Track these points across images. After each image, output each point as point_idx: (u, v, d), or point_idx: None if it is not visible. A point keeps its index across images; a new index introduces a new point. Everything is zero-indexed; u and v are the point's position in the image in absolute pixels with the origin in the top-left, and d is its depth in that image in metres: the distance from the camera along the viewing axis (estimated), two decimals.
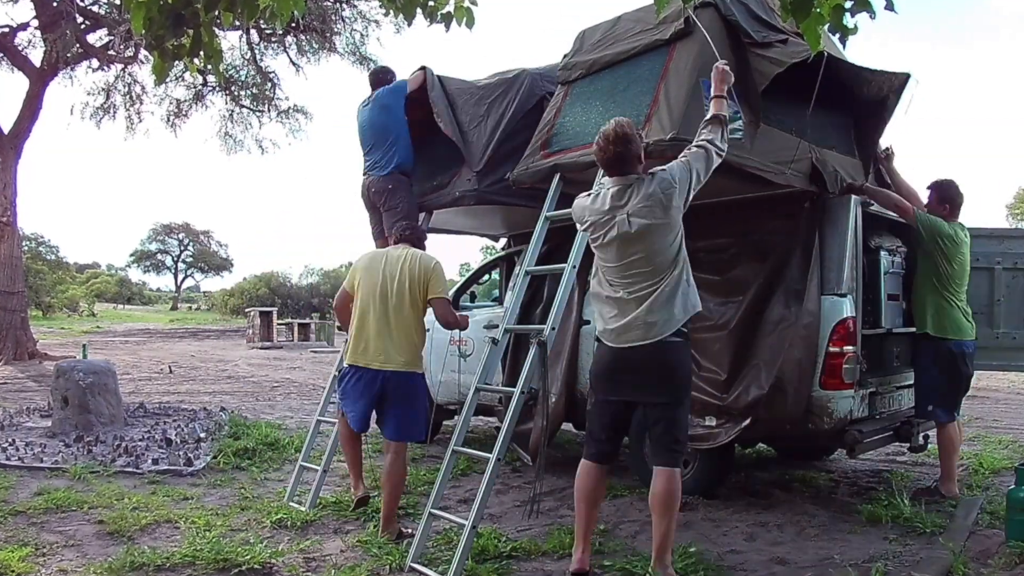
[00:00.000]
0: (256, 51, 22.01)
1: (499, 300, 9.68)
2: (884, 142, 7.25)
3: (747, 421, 6.09)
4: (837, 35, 4.08)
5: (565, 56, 6.84)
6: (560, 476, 7.50)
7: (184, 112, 23.03)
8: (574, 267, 5.80)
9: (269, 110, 23.39)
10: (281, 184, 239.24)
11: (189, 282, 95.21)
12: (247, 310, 37.59)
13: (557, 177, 6.35)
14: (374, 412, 5.72)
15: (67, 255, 74.86)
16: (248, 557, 5.02)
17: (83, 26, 19.82)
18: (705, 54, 5.71)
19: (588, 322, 7.28)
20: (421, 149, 7.80)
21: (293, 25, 20.08)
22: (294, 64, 22.32)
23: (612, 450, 4.91)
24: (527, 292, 6.40)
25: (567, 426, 8.37)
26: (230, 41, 21.37)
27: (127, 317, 53.97)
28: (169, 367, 20.05)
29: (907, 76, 6.66)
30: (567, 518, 6.18)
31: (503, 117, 7.19)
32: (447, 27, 4.94)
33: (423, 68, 7.63)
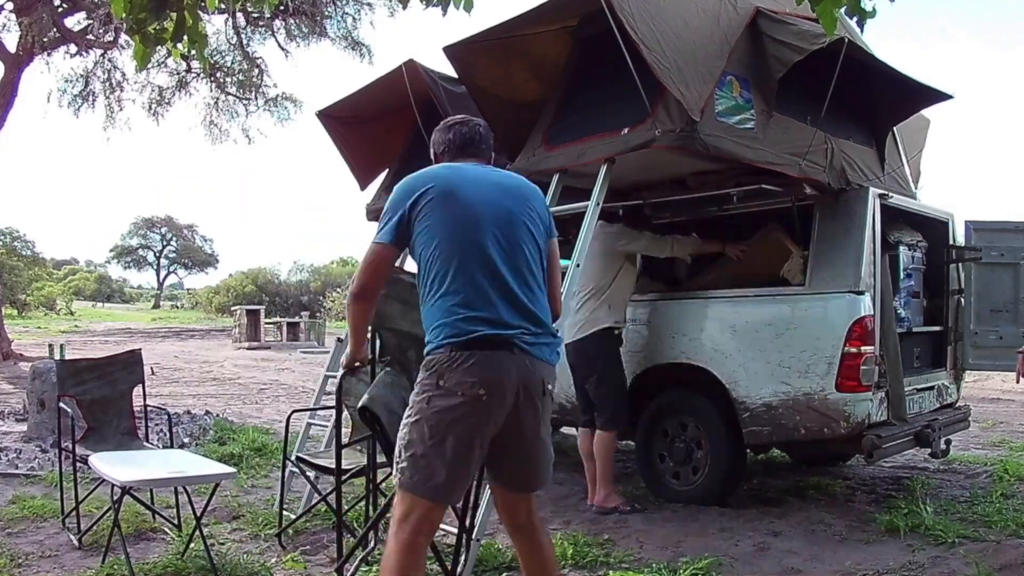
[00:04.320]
0: (243, 36, 21.97)
1: None
2: None
3: None
4: (855, 19, 4.07)
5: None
6: (562, 483, 7.49)
7: (167, 100, 22.99)
8: (578, 266, 5.80)
9: (256, 98, 23.34)
10: (269, 176, 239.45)
11: (172, 279, 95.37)
12: (233, 308, 37.58)
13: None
14: None
15: (44, 251, 74.92)
16: (234, 569, 5.02)
17: (60, 9, 19.79)
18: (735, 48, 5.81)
19: None
20: (417, 146, 7.80)
21: (281, 8, 20.02)
22: (283, 49, 22.28)
23: None
24: None
25: (569, 431, 8.37)
26: (215, 25, 21.32)
27: (107, 316, 54.09)
28: (151, 368, 20.04)
29: (949, 97, 6.73)
30: (571, 525, 6.19)
31: None
32: (444, 10, 4.93)
33: (411, 61, 7.60)
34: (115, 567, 5.09)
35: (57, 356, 5.64)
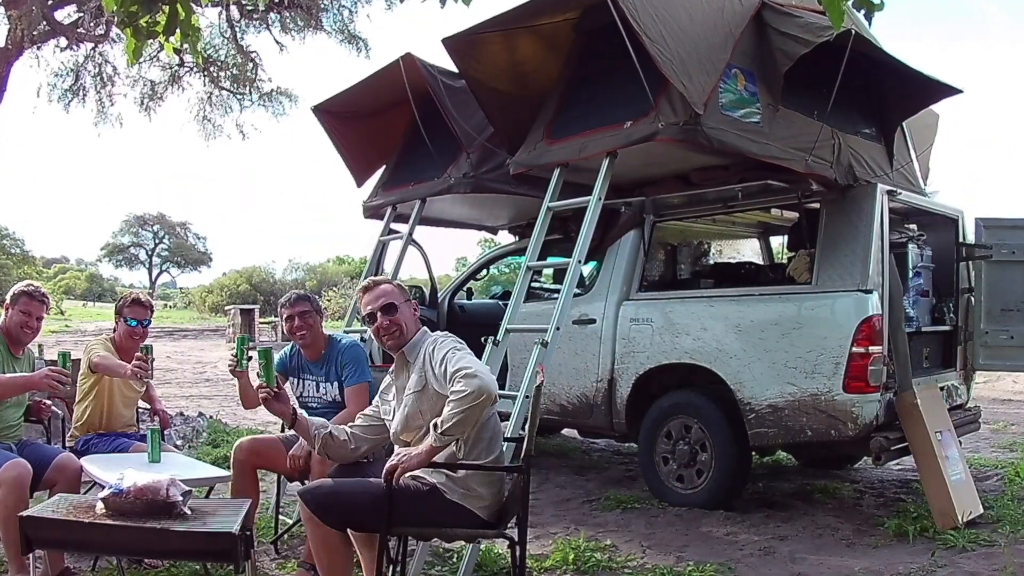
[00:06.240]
0: (236, 29, 21.93)
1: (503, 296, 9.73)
2: None
3: None
4: (862, 11, 4.07)
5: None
6: (564, 487, 7.51)
7: (159, 95, 22.92)
8: (580, 262, 5.80)
9: (251, 92, 23.27)
10: (264, 173, 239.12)
11: (165, 278, 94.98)
12: (227, 308, 37.58)
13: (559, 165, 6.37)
14: None
15: (33, 249, 74.59)
16: (228, 575, 5.02)
17: (50, 2, 19.75)
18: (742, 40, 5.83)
19: (593, 321, 7.29)
20: (415, 141, 7.82)
21: (276, 1, 20.02)
22: (278, 43, 22.21)
23: None
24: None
25: (572, 433, 8.36)
26: (208, 18, 21.23)
27: (98, 315, 53.73)
28: None
29: (959, 92, 6.73)
30: (573, 530, 6.19)
31: None
32: (442, 2, 4.93)
33: (408, 55, 7.60)
34: (107, 571, 5.09)
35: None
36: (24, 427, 5.55)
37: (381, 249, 8.48)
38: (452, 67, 7.01)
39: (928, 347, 7.21)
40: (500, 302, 9.57)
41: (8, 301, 5.41)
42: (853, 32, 5.70)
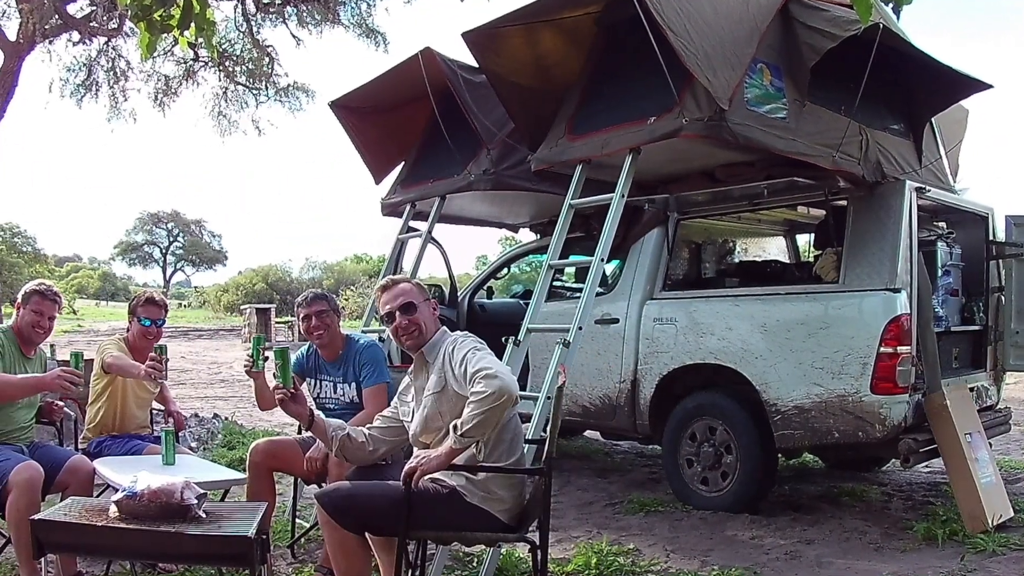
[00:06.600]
0: (252, 23, 21.97)
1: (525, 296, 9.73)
2: None
3: None
4: (890, 5, 4.05)
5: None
6: (586, 490, 7.50)
7: (173, 90, 22.98)
8: (602, 260, 5.79)
9: (267, 88, 23.33)
10: (280, 169, 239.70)
11: (179, 276, 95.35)
12: (243, 307, 37.68)
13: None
14: None
15: (45, 247, 75.08)
16: None
17: None
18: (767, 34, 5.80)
19: (616, 320, 7.27)
20: (434, 137, 7.81)
21: None
22: (294, 37, 22.28)
23: None
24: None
25: (594, 435, 8.32)
26: (224, 12, 21.32)
27: (111, 315, 54.04)
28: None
29: (989, 87, 6.69)
30: (595, 533, 6.18)
31: None
32: None
33: (428, 49, 7.59)
34: None
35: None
36: (36, 429, 5.54)
37: (400, 247, 8.49)
38: (472, 61, 7.00)
39: (957, 347, 7.16)
40: (521, 301, 9.57)
41: (20, 300, 5.40)
42: (881, 26, 5.67)
